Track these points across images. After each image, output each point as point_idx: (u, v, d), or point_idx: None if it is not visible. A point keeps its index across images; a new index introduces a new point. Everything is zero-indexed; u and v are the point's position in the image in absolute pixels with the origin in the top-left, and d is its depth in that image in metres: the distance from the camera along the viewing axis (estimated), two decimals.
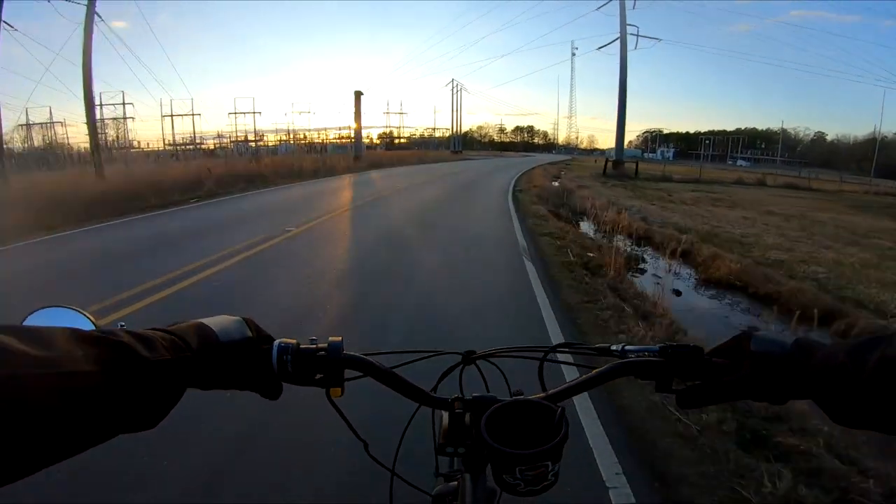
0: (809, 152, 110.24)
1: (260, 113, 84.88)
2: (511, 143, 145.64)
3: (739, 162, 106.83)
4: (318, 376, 0.52)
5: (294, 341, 0.52)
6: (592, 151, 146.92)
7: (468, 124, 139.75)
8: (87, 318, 0.50)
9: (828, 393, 0.45)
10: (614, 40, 37.75)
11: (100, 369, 0.34)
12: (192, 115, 72.47)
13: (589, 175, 26.76)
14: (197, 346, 0.44)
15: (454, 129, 77.41)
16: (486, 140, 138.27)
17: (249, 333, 0.49)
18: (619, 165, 33.82)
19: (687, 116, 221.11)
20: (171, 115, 70.44)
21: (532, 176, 23.23)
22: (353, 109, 34.28)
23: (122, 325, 0.41)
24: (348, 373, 0.54)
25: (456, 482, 0.68)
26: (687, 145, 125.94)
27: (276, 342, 0.51)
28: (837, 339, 0.72)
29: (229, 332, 0.48)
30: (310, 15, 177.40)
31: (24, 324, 0.47)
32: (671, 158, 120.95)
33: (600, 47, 41.29)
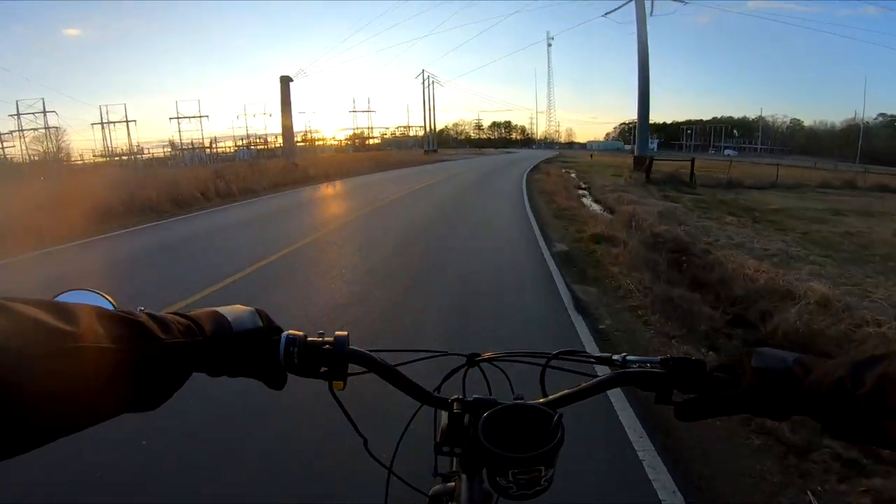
0: (790, 140, 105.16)
1: (207, 117, 74.42)
2: (489, 139, 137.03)
3: (727, 151, 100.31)
4: (323, 369, 0.52)
5: (301, 333, 0.52)
6: (571, 145, 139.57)
7: (444, 122, 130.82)
8: (108, 300, 0.50)
9: (826, 410, 0.44)
10: (626, 3, 28.68)
11: (118, 346, 0.34)
12: (126, 121, 61.35)
13: (625, 181, 17.19)
14: (210, 333, 0.45)
15: (427, 126, 67.36)
16: (463, 137, 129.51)
17: (260, 324, 0.50)
18: (644, 163, 24.58)
19: (660, 107, 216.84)
20: (102, 124, 59.25)
21: (550, 191, 13.59)
22: (287, 106, 24.25)
23: (141, 309, 0.41)
24: (352, 368, 0.53)
25: (453, 483, 0.67)
26: (667, 135, 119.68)
27: (285, 334, 0.51)
28: (838, 359, 0.47)
29: (242, 321, 0.48)
30: (266, 10, 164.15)
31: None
32: (655, 149, 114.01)
33: (608, 13, 32.05)
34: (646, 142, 25.72)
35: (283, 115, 23.97)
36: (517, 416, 0.51)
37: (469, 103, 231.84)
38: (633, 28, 23.80)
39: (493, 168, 25.75)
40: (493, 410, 0.51)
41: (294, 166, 20.87)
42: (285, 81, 23.90)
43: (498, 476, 0.47)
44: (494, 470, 0.47)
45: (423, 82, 66.21)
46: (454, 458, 0.60)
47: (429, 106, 68.54)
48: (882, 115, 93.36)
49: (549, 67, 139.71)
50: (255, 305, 0.52)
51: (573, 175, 21.93)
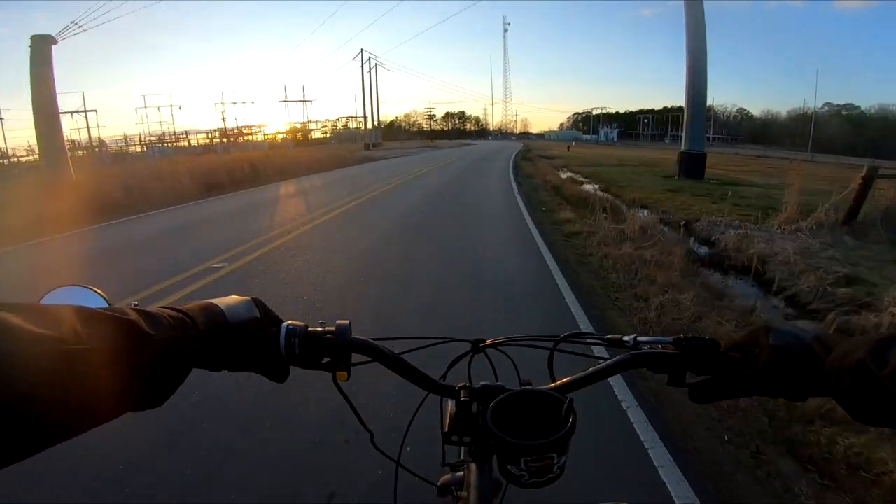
0: (739, 128, 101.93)
1: (95, 111, 59.77)
2: (442, 130, 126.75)
3: None
4: (325, 360, 0.49)
5: (302, 324, 0.48)
6: (527, 136, 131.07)
7: (395, 113, 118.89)
8: (101, 296, 0.48)
9: (847, 391, 0.40)
10: None
11: (105, 347, 0.32)
12: None
13: (805, 227, 6.46)
14: (204, 326, 0.42)
15: (368, 116, 55.01)
16: (416, 129, 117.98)
17: (258, 314, 0.47)
18: (696, 163, 14.56)
19: (611, 96, 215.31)
20: None
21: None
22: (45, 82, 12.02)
23: (134, 304, 0.39)
24: (356, 357, 0.50)
25: (462, 472, 0.65)
26: (623, 125, 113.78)
27: (285, 324, 0.48)
28: (860, 336, 0.42)
29: (238, 312, 0.45)
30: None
31: (40, 303, 0.45)
32: (615, 139, 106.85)
33: None
34: (700, 133, 15.49)
35: (34, 100, 11.77)
36: (526, 402, 0.49)
37: (423, 94, 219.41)
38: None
39: (449, 177, 14.60)
40: (501, 397, 0.48)
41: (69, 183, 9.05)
42: (40, 44, 11.80)
43: (509, 464, 0.45)
44: (505, 458, 0.45)
45: (363, 65, 53.66)
46: (462, 447, 0.59)
47: (371, 93, 56.35)
48: (828, 104, 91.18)
49: (504, 54, 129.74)
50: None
51: (602, 193, 11.32)
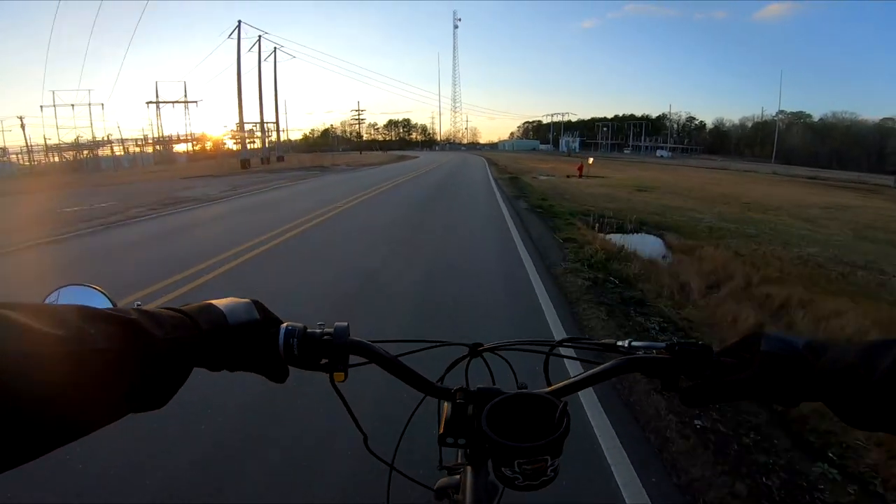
0: (695, 137, 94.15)
1: None
2: (384, 140, 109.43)
3: (660, 153, 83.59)
4: (323, 361, 0.49)
5: (301, 325, 0.48)
6: (479, 146, 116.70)
7: (329, 121, 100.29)
8: (105, 295, 0.48)
9: (838, 396, 0.40)
10: None
11: (112, 347, 0.32)
12: None
13: None
14: (206, 327, 0.42)
15: (251, 120, 36.32)
16: (356, 139, 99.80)
17: (257, 316, 0.46)
18: None
19: (560, 105, 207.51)
20: None
21: None
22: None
23: (137, 304, 0.39)
24: (353, 359, 0.50)
25: (459, 476, 0.64)
26: (580, 133, 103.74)
27: (284, 325, 0.48)
28: (850, 341, 0.42)
29: (238, 313, 0.45)
30: None
31: (45, 302, 0.45)
32: (577, 149, 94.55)
33: None
34: None
35: None
36: (521, 405, 0.49)
37: (372, 103, 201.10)
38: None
39: None
40: (497, 400, 0.48)
41: None
42: None
43: (503, 467, 0.44)
44: (500, 460, 0.45)
45: (240, 47, 34.83)
46: (459, 451, 0.59)
47: (260, 87, 37.75)
48: (781, 111, 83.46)
49: (454, 56, 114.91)
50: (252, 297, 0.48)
51: None
